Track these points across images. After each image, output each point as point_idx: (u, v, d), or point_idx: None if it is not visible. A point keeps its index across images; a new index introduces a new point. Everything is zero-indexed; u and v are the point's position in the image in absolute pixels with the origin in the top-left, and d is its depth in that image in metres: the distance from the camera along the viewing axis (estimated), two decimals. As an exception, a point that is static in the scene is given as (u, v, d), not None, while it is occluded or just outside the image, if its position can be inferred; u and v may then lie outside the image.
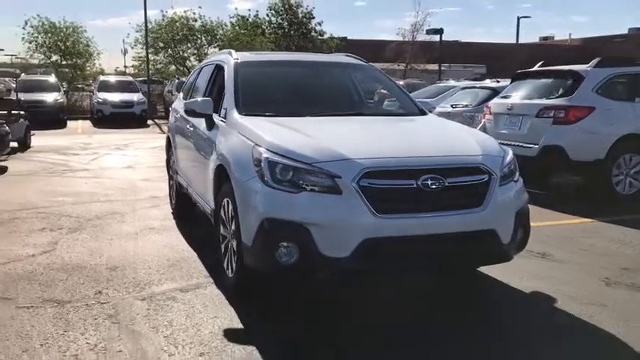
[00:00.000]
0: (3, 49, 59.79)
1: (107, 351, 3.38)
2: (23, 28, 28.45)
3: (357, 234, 3.53)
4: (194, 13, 29.72)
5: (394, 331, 3.75)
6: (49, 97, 21.23)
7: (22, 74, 24.78)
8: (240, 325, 3.80)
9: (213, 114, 4.98)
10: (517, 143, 8.13)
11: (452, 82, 14.74)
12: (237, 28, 31.87)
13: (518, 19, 38.34)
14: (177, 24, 29.03)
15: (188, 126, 5.82)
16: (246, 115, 4.62)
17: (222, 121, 4.78)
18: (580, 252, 5.59)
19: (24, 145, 14.13)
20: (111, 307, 4.04)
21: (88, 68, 32.84)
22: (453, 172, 3.76)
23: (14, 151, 13.16)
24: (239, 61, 5.37)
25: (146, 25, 26.58)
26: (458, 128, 4.81)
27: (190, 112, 5.08)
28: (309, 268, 3.65)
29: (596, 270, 5.02)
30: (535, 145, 7.85)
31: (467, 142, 4.18)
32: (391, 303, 4.35)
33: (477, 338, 3.69)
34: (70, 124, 22.00)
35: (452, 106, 11.29)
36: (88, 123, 23.09)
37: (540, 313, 4.16)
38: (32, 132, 15.18)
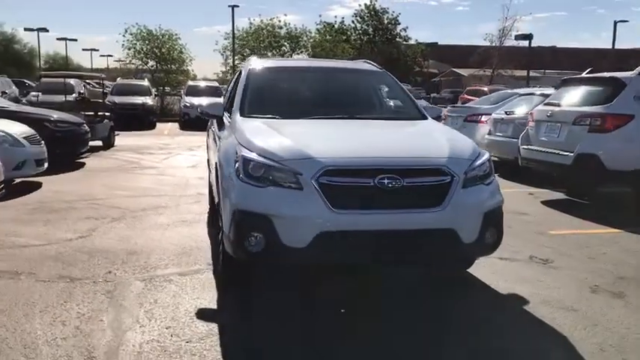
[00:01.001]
0: (112, 55, 64.08)
1: (90, 319, 3.89)
2: (123, 35, 30.68)
3: (313, 227, 3.83)
4: (279, 21, 30.78)
5: (357, 320, 4.01)
6: (140, 100, 22.82)
7: (118, 78, 26.74)
8: (215, 306, 4.22)
9: (225, 115, 5.44)
10: (555, 151, 8.07)
11: (517, 89, 14.44)
12: (323, 34, 32.65)
13: (615, 23, 36.36)
14: (264, 31, 30.13)
15: (212, 127, 6.34)
16: (247, 116, 5.04)
17: (228, 121, 5.23)
18: (586, 260, 5.54)
19: (108, 144, 15.35)
20: (112, 285, 4.57)
21: (183, 75, 34.59)
22: (411, 173, 3.97)
23: (98, 149, 14.39)
24: (254, 67, 5.82)
25: (233, 33, 27.90)
26: (442, 133, 4.93)
27: (205, 114, 5.57)
28: (273, 256, 3.99)
29: (590, 278, 5.00)
30: (571, 153, 7.73)
31: (437, 146, 4.36)
32: (368, 299, 4.59)
33: (424, 331, 3.89)
34: (159, 125, 23.48)
35: (506, 112, 11.17)
36: (175, 125, 24.46)
37: (502, 313, 4.28)
38: (117, 132, 16.44)
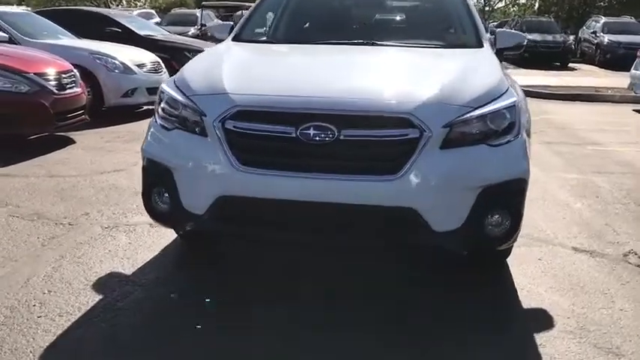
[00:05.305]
0: None
1: (18, 260, 3.70)
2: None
3: (212, 189, 2.99)
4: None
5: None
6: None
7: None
8: (141, 265, 3.74)
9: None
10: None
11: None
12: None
13: None
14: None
15: None
16: (238, 41, 4.35)
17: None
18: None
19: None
20: (67, 229, 4.27)
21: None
22: (355, 122, 2.86)
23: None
24: None
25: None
26: (463, 65, 3.58)
27: (211, 37, 4.96)
28: (177, 221, 3.28)
29: None
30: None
31: (418, 84, 3.16)
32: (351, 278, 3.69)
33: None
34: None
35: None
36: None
37: (494, 336, 3.03)
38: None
